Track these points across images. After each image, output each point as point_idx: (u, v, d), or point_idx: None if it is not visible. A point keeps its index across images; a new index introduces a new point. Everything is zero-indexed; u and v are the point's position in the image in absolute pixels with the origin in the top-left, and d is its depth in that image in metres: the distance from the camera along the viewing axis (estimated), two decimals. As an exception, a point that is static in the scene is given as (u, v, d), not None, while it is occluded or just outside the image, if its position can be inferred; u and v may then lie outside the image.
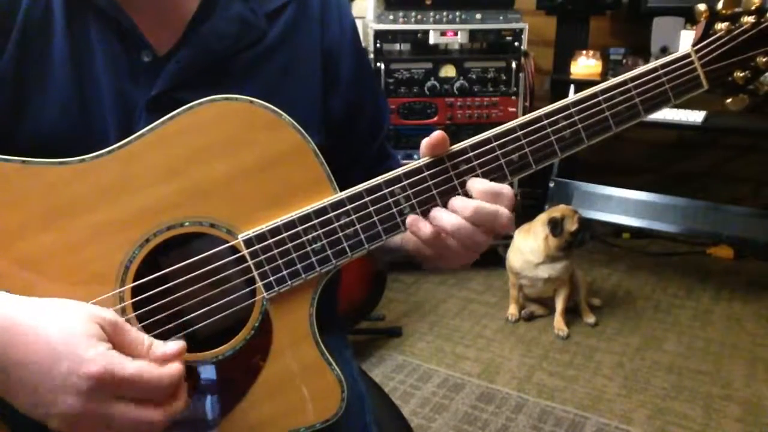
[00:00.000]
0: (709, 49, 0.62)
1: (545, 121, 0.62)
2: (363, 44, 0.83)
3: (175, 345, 0.55)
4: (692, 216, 2.53)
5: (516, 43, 2.51)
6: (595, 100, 0.63)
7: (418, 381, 1.99)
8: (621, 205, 2.64)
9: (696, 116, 2.40)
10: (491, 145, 0.62)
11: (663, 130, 2.77)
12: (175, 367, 0.54)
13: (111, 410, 0.51)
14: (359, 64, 0.79)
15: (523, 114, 2.74)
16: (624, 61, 2.71)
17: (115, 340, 0.53)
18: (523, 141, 0.62)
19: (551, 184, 2.73)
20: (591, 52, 2.61)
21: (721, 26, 0.61)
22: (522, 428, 1.76)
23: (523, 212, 2.68)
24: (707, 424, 1.77)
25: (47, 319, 0.51)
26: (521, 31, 2.50)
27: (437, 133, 0.62)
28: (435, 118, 2.52)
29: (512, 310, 2.36)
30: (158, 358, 0.54)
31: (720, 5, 0.62)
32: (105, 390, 0.50)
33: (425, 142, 0.62)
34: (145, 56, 0.67)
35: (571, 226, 2.18)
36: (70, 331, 0.50)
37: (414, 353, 2.15)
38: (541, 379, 1.99)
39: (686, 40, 2.37)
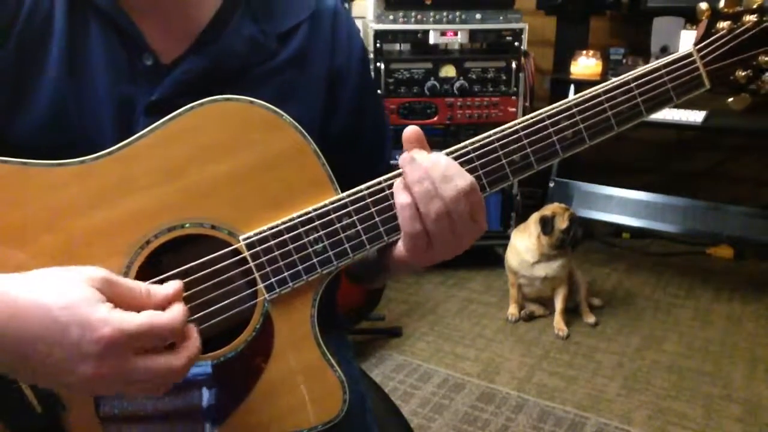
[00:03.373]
0: (711, 48, 0.62)
1: (547, 122, 0.62)
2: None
3: (172, 285, 0.56)
4: (692, 216, 2.53)
5: (516, 43, 2.51)
6: (598, 100, 0.62)
7: (418, 381, 1.99)
8: (621, 205, 2.64)
9: (696, 116, 2.40)
10: (493, 145, 0.62)
11: (663, 130, 2.77)
12: (180, 307, 0.55)
13: (129, 366, 0.51)
14: (362, 93, 0.77)
15: (523, 114, 2.74)
16: (624, 61, 2.71)
17: (113, 296, 0.53)
18: (525, 141, 0.62)
19: (551, 184, 2.73)
20: (591, 52, 2.61)
21: (723, 25, 0.61)
22: (522, 428, 1.76)
23: (523, 212, 2.68)
24: (707, 424, 1.77)
25: (44, 291, 0.51)
26: (521, 31, 2.50)
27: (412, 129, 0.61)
28: (435, 118, 2.52)
29: (512, 309, 2.36)
30: (160, 302, 0.54)
31: (722, 4, 0.62)
32: (119, 349, 0.50)
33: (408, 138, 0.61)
34: (147, 60, 0.67)
35: (562, 223, 2.18)
36: (69, 299, 0.50)
37: (414, 353, 2.15)
38: (541, 379, 1.99)
39: (686, 40, 2.37)
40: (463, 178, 0.59)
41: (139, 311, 0.52)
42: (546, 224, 2.18)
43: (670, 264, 2.81)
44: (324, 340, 0.65)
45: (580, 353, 2.14)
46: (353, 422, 0.73)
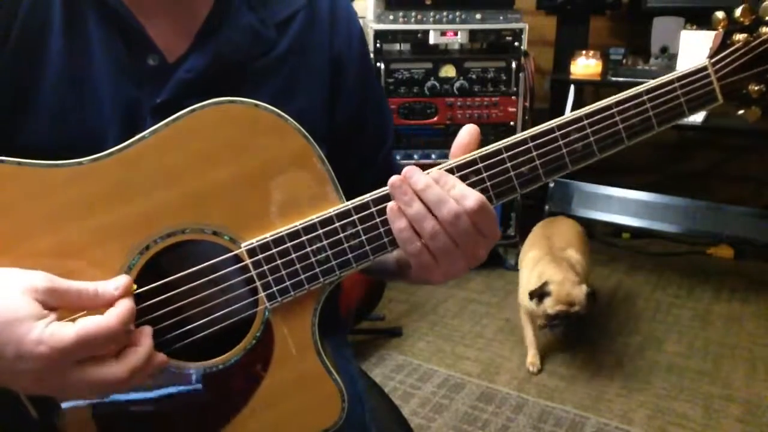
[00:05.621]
0: (726, 61, 0.61)
1: (557, 133, 0.61)
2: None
3: (119, 281, 0.56)
4: (692, 216, 2.53)
5: (516, 43, 2.51)
6: (609, 112, 0.61)
7: (418, 381, 1.99)
8: (621, 205, 2.64)
9: (696, 116, 2.40)
10: (501, 156, 0.61)
11: (663, 130, 2.76)
12: (119, 309, 0.54)
13: (68, 381, 0.52)
14: (364, 75, 0.78)
15: (523, 114, 2.70)
16: (624, 61, 2.70)
17: (57, 303, 0.53)
18: (534, 153, 0.61)
19: (551, 184, 2.73)
20: (591, 52, 2.60)
21: (738, 37, 0.60)
22: (522, 428, 1.76)
23: (523, 212, 2.68)
24: (707, 424, 1.77)
25: None
26: (521, 31, 2.50)
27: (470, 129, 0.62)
28: (435, 118, 2.51)
29: (531, 358, 2.03)
30: (108, 301, 0.55)
31: (738, 13, 0.60)
32: (56, 366, 0.51)
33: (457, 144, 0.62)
34: (152, 60, 0.66)
35: (551, 307, 1.85)
36: (4, 317, 0.50)
37: (414, 353, 2.15)
38: (541, 379, 1.99)
39: (686, 40, 2.36)
40: (469, 199, 0.58)
41: (88, 312, 0.53)
42: (540, 296, 1.88)
43: (670, 264, 2.80)
44: (323, 342, 0.64)
45: (580, 353, 2.13)
46: (352, 422, 0.73)
